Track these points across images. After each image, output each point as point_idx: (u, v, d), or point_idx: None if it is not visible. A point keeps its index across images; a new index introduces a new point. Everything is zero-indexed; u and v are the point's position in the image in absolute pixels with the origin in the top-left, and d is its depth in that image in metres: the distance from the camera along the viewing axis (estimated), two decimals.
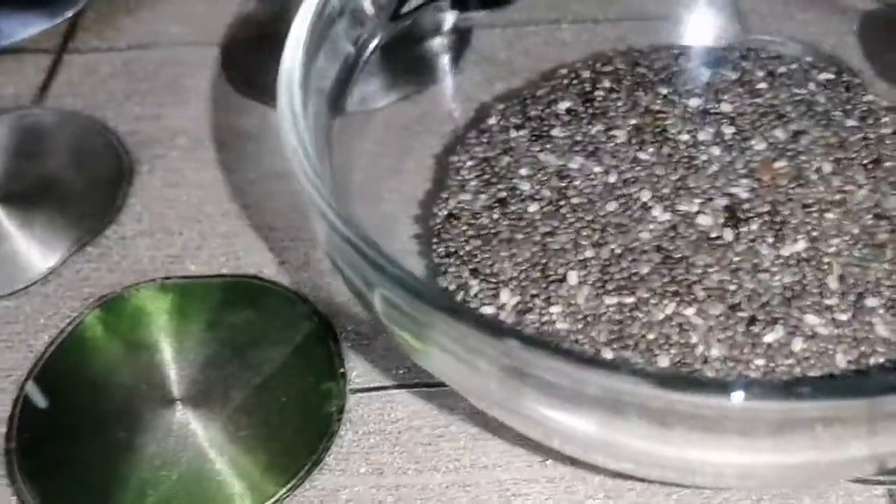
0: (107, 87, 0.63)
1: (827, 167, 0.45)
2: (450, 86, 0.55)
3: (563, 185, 0.46)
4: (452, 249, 0.45)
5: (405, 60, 0.52)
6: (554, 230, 0.44)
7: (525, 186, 0.46)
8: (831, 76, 0.49)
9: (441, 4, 0.52)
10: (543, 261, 0.43)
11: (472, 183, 0.47)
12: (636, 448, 0.33)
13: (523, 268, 0.43)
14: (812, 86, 0.49)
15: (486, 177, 0.47)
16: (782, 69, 0.50)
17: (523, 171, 0.47)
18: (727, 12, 0.55)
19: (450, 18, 0.53)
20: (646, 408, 0.31)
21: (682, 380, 0.34)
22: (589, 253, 0.43)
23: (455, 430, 0.45)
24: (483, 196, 0.46)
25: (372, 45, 0.48)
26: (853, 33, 0.53)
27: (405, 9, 0.50)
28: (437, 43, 0.54)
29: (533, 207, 0.45)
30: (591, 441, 0.35)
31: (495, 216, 0.45)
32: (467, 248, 0.44)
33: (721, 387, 0.30)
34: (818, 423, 0.30)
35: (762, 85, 0.49)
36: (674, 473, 0.37)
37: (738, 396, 0.29)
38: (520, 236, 0.44)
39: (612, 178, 0.45)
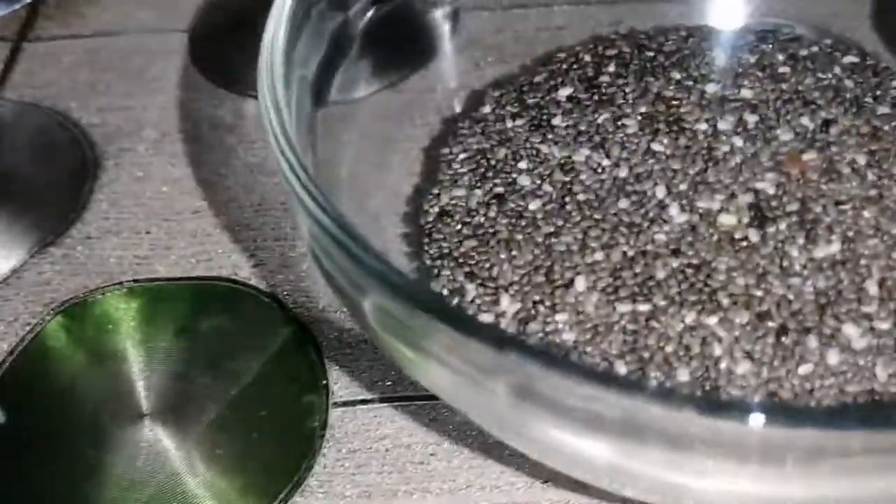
0: (70, 77, 0.60)
1: (861, 159, 0.42)
2: (437, 72, 0.52)
3: (568, 179, 0.43)
4: (446, 250, 0.42)
5: (389, 46, 0.50)
6: (558, 230, 0.41)
7: (525, 181, 0.43)
8: (856, 59, 0.47)
9: None
10: (547, 264, 0.40)
11: (466, 177, 0.44)
12: (649, 475, 0.31)
13: (525, 271, 0.40)
14: (838, 70, 0.46)
15: (482, 170, 0.44)
16: (804, 52, 0.47)
17: (523, 165, 0.44)
18: None
19: (436, 2, 0.51)
20: (664, 431, 0.29)
21: (704, 401, 0.32)
22: (598, 256, 0.40)
23: (449, 447, 0.42)
24: (478, 192, 0.43)
25: (355, 30, 0.46)
26: (866, 17, 0.51)
27: None
28: (423, 27, 0.52)
29: (534, 204, 0.42)
30: (600, 465, 0.33)
31: (492, 214, 0.42)
32: (462, 249, 0.42)
33: (745, 409, 0.28)
34: (855, 454, 0.28)
35: (784, 69, 0.46)
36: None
37: (763, 420, 0.27)
38: (520, 237, 0.41)
39: (622, 173, 0.42)
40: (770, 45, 0.47)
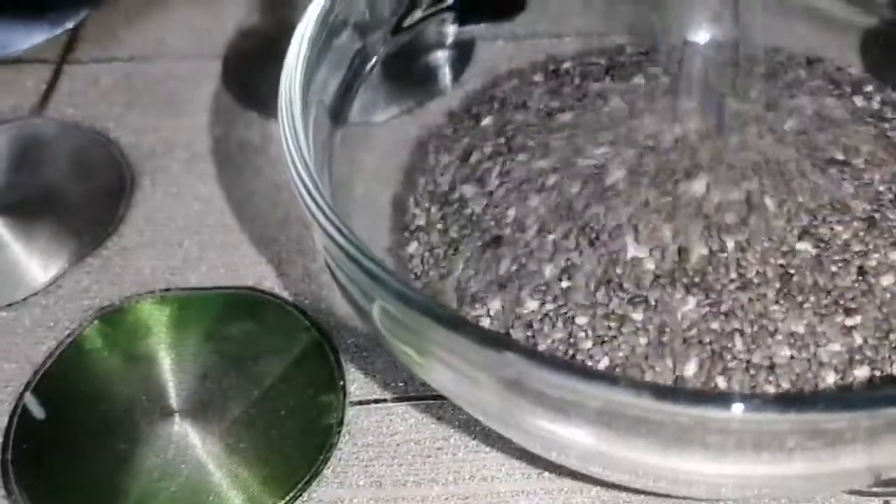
0: (108, 99, 0.63)
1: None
2: (452, 99, 0.54)
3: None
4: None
5: (407, 74, 0.52)
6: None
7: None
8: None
9: (443, 18, 0.52)
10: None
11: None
12: (633, 460, 0.33)
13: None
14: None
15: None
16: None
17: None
18: (727, 27, 0.55)
19: (452, 32, 0.53)
20: (643, 420, 0.31)
21: (680, 393, 0.34)
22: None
23: (454, 442, 0.45)
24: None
25: (374, 59, 0.48)
26: (855, 49, 0.53)
27: (407, 22, 0.50)
28: (440, 56, 0.54)
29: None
30: (589, 453, 0.35)
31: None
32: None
33: (720, 400, 0.30)
34: (816, 436, 0.30)
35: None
36: (670, 485, 0.37)
37: (737, 409, 0.29)
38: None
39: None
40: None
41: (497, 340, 0.33)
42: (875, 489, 0.42)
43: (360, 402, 0.46)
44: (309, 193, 0.36)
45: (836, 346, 0.39)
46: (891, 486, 0.41)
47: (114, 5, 0.69)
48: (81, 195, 0.57)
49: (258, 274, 0.52)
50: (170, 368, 0.48)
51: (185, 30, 0.68)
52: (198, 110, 0.62)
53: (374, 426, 0.45)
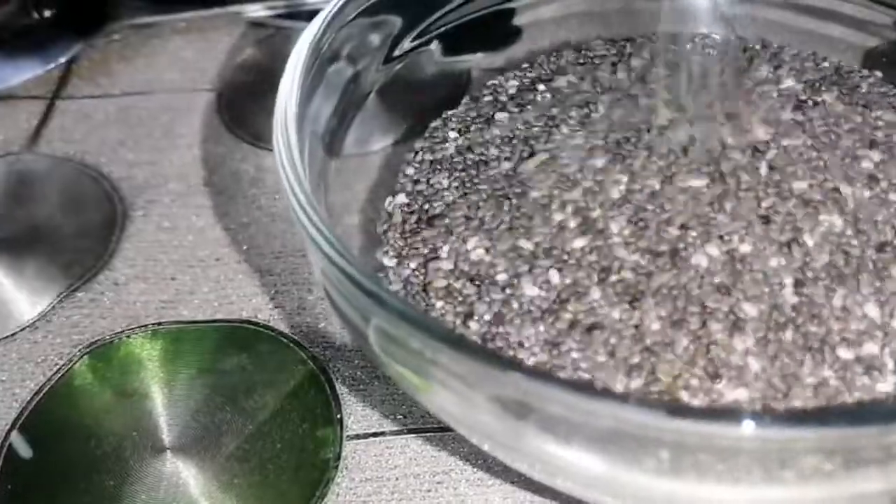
0: (100, 134, 0.62)
1: None
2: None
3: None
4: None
5: (402, 103, 0.51)
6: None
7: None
8: None
9: (434, 49, 0.51)
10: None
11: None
12: (640, 484, 0.32)
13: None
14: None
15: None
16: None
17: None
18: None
19: (445, 61, 0.52)
20: (650, 440, 0.30)
21: (692, 410, 0.33)
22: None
23: (455, 475, 0.44)
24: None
25: (367, 89, 0.48)
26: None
27: (397, 52, 0.49)
28: (434, 85, 0.53)
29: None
30: (596, 478, 0.34)
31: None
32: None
33: (733, 416, 0.29)
34: (831, 455, 0.30)
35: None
36: None
37: (749, 426, 0.28)
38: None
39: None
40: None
41: (499, 358, 0.32)
42: None
43: (358, 436, 0.45)
44: (304, 212, 0.35)
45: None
46: None
47: (106, 40, 0.69)
48: (73, 229, 0.56)
49: (252, 306, 0.51)
50: (161, 404, 0.47)
51: (177, 64, 0.68)
52: (191, 143, 0.61)
53: (372, 460, 0.44)
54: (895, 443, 0.29)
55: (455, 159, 0.47)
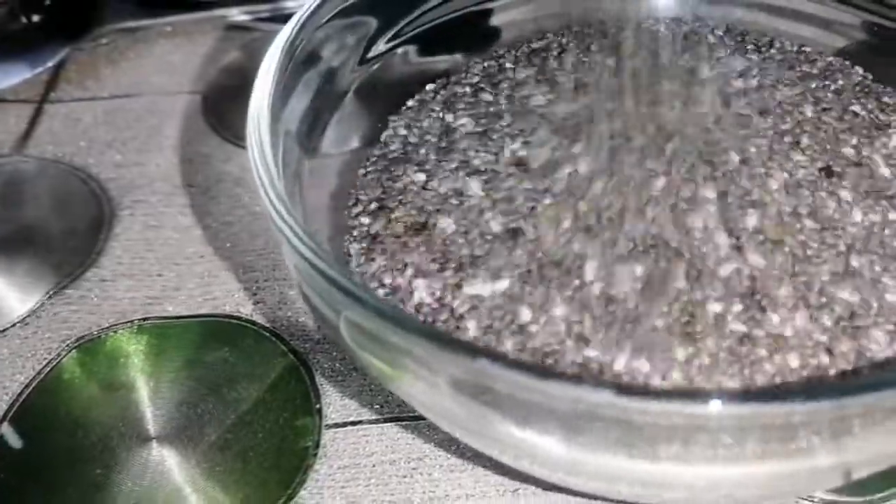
0: (88, 136, 0.63)
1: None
2: None
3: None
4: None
5: (379, 103, 0.52)
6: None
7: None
8: None
9: (410, 49, 0.52)
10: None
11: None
12: (600, 463, 0.33)
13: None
14: None
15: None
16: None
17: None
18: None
19: (420, 62, 0.54)
20: (607, 420, 0.31)
21: (647, 390, 0.34)
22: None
23: (429, 462, 0.45)
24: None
25: (343, 89, 0.49)
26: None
27: (372, 53, 0.50)
28: (412, 85, 0.54)
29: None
30: (560, 459, 0.35)
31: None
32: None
33: (687, 396, 0.30)
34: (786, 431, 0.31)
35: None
36: (643, 489, 0.37)
37: (704, 405, 0.29)
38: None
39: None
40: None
41: (468, 347, 0.33)
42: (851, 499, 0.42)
43: (337, 425, 0.46)
44: (275, 208, 0.37)
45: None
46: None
47: (94, 45, 0.70)
48: (61, 229, 0.57)
49: (235, 302, 0.52)
50: (147, 396, 0.48)
51: (163, 67, 0.69)
52: (177, 144, 0.62)
53: (349, 448, 0.45)
54: (846, 417, 0.31)
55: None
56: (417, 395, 0.36)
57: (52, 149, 0.63)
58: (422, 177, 0.47)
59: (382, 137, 0.50)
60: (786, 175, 0.45)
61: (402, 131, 0.50)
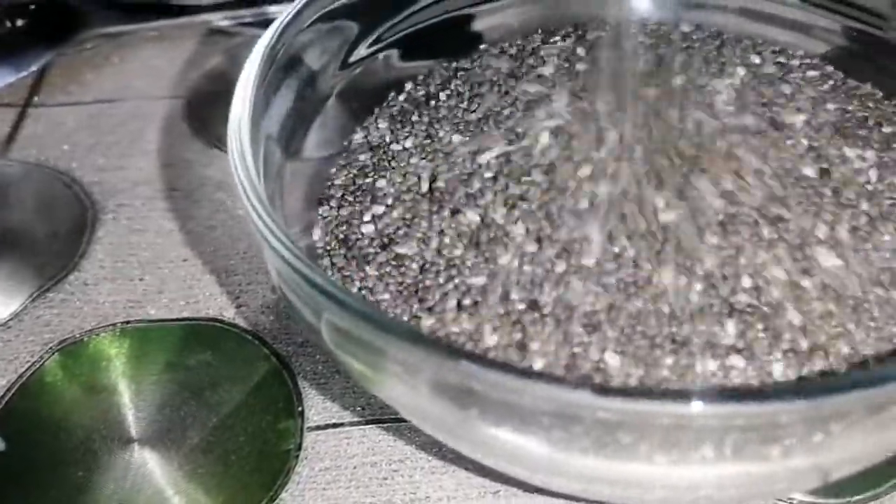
0: (72, 140, 0.63)
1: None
2: None
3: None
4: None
5: (362, 107, 0.52)
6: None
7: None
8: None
9: (389, 54, 0.52)
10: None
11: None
12: (579, 465, 0.33)
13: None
14: None
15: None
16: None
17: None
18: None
19: (402, 66, 0.54)
20: (586, 421, 0.31)
21: (625, 389, 0.35)
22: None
23: (410, 464, 0.45)
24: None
25: (324, 93, 0.49)
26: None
27: (354, 57, 0.50)
28: (394, 89, 0.54)
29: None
30: (542, 460, 0.35)
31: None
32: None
33: (669, 396, 0.31)
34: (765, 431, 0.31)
35: None
36: (623, 491, 0.37)
37: (697, 406, 0.30)
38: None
39: None
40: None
41: (450, 349, 0.33)
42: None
43: (318, 427, 0.47)
44: (256, 211, 0.37)
45: None
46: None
47: (78, 49, 0.70)
48: (44, 233, 0.57)
49: (218, 305, 0.52)
50: (129, 399, 0.48)
51: (147, 72, 0.69)
52: (160, 149, 0.62)
53: (331, 450, 0.46)
54: (825, 418, 0.31)
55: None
56: (399, 398, 0.36)
57: (35, 153, 0.63)
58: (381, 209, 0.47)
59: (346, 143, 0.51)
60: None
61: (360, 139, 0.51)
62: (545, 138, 0.47)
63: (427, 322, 0.41)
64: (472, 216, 0.44)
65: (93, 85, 0.68)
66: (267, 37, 0.45)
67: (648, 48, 0.53)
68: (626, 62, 0.52)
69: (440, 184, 0.46)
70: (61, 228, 0.58)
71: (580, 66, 0.52)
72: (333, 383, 0.48)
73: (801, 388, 0.31)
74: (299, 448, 0.46)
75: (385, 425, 0.46)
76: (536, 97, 0.50)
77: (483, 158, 0.46)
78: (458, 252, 0.43)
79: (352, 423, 0.47)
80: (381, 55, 0.52)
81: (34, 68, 0.68)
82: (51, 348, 0.51)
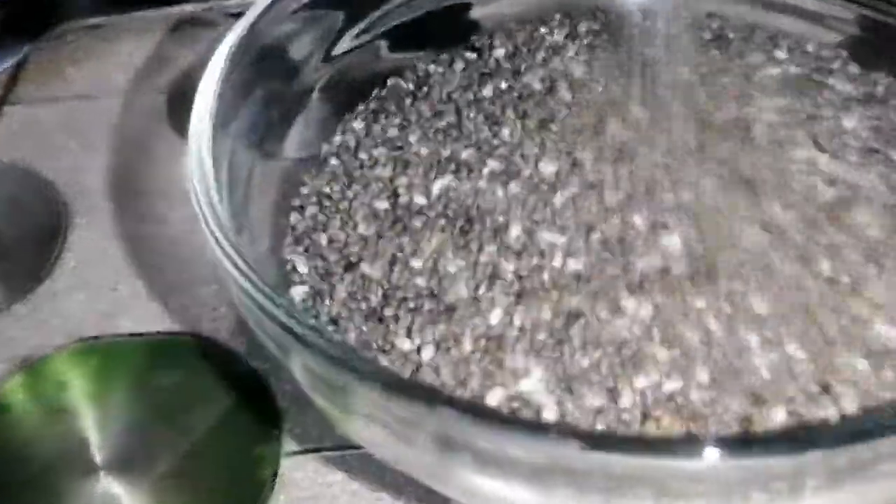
0: (48, 139, 0.61)
1: None
2: None
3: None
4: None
5: (348, 103, 0.49)
6: None
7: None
8: None
9: (377, 45, 0.49)
10: None
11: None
12: None
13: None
14: None
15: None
16: None
17: None
18: None
19: (393, 58, 0.50)
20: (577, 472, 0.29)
21: (618, 441, 0.32)
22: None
23: (394, 492, 0.42)
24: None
25: (305, 88, 0.46)
26: None
27: (337, 50, 0.47)
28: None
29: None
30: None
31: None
32: None
33: (660, 448, 0.28)
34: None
35: None
36: None
37: (711, 455, 0.27)
38: None
39: None
40: None
41: (431, 396, 0.30)
42: None
43: (296, 453, 0.44)
44: (219, 244, 0.35)
45: None
46: None
47: (57, 42, 0.67)
48: (15, 239, 0.55)
49: (194, 317, 0.50)
50: (94, 421, 0.46)
51: (128, 66, 0.66)
52: (139, 147, 0.60)
53: (309, 477, 0.43)
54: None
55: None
56: (372, 441, 0.34)
57: (9, 152, 0.60)
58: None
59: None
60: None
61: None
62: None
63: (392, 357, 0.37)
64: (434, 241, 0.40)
65: (72, 80, 0.66)
66: (238, 28, 0.42)
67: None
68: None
69: (404, 199, 0.42)
70: (32, 234, 0.55)
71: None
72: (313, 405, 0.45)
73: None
74: (276, 476, 0.43)
75: (366, 451, 0.43)
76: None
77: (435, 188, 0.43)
78: (420, 281, 0.39)
79: (332, 448, 0.44)
80: (369, 46, 0.49)
81: (10, 63, 0.66)
82: (14, 367, 0.48)
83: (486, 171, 0.42)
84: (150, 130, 0.61)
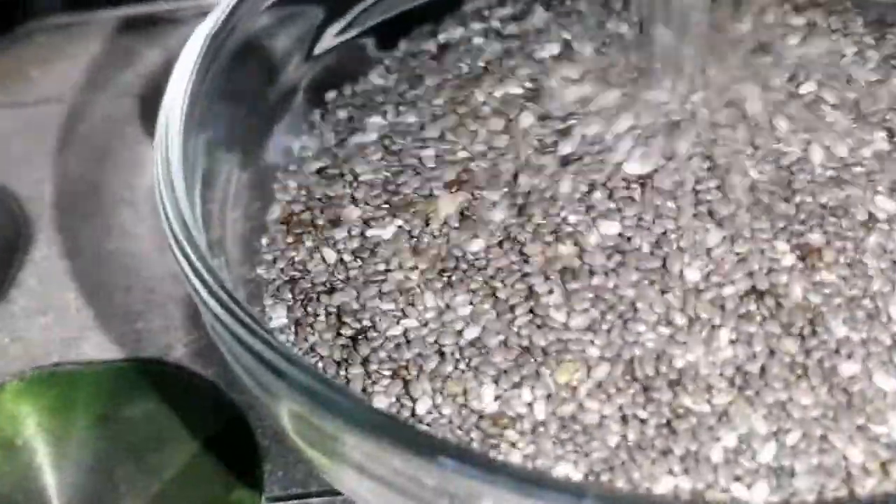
0: (9, 147, 0.58)
1: None
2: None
3: None
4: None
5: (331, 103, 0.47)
6: None
7: None
8: None
9: (363, 42, 0.47)
10: None
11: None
12: None
13: None
14: None
15: None
16: None
17: None
18: None
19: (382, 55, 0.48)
20: None
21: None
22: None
23: None
24: None
25: (286, 89, 0.45)
26: None
27: (320, 48, 0.45)
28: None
29: None
30: None
31: None
32: None
33: None
34: None
35: None
36: None
37: None
38: None
39: None
40: None
41: (433, 445, 0.28)
42: None
43: (279, 499, 0.41)
44: (195, 271, 0.33)
45: None
46: None
47: (21, 42, 0.64)
48: None
49: (165, 343, 0.47)
50: (52, 460, 0.43)
51: (98, 67, 0.63)
52: (107, 154, 0.56)
53: None
54: None
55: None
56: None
57: None
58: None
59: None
60: None
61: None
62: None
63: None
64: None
65: (37, 83, 0.62)
66: (208, 24, 0.40)
67: None
68: None
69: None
70: None
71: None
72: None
73: None
74: None
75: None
76: None
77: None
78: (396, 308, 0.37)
79: (319, 494, 0.40)
80: (354, 44, 0.47)
81: None
82: None
83: None
84: (120, 135, 0.58)
